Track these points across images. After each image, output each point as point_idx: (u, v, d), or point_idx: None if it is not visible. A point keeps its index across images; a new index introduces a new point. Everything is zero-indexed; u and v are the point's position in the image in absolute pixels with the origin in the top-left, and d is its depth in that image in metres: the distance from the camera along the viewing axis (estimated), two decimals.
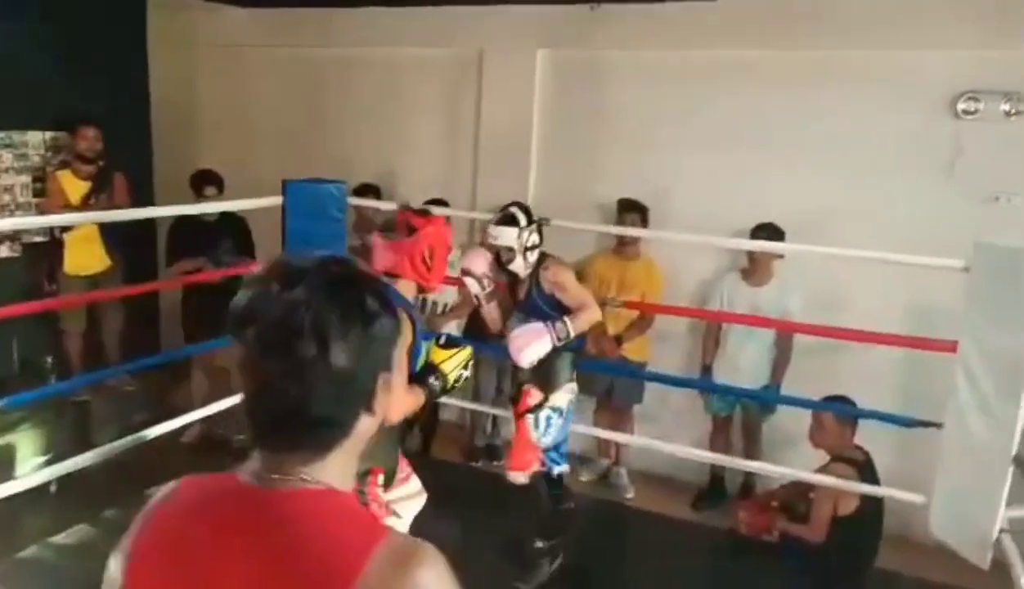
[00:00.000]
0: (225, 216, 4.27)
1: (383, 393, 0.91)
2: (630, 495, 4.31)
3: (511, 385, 4.53)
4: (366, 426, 0.91)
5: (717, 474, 4.24)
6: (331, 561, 0.81)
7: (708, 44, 4.13)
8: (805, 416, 3.38)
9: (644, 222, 4.15)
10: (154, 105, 5.19)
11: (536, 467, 2.99)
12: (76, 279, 4.43)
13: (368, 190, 4.42)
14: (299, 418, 0.86)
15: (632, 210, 4.17)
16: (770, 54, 4.02)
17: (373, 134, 5.07)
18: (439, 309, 4.39)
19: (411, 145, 5.03)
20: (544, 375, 2.92)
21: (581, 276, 4.39)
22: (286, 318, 0.82)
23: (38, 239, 4.56)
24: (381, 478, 2.32)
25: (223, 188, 4.44)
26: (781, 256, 3.94)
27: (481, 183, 4.83)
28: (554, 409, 2.92)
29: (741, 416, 4.20)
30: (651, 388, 4.26)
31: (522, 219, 2.85)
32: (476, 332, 4.49)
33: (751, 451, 4.11)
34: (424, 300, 4.37)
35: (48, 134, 4.52)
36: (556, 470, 3.02)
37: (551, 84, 4.63)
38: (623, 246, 4.26)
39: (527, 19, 4.51)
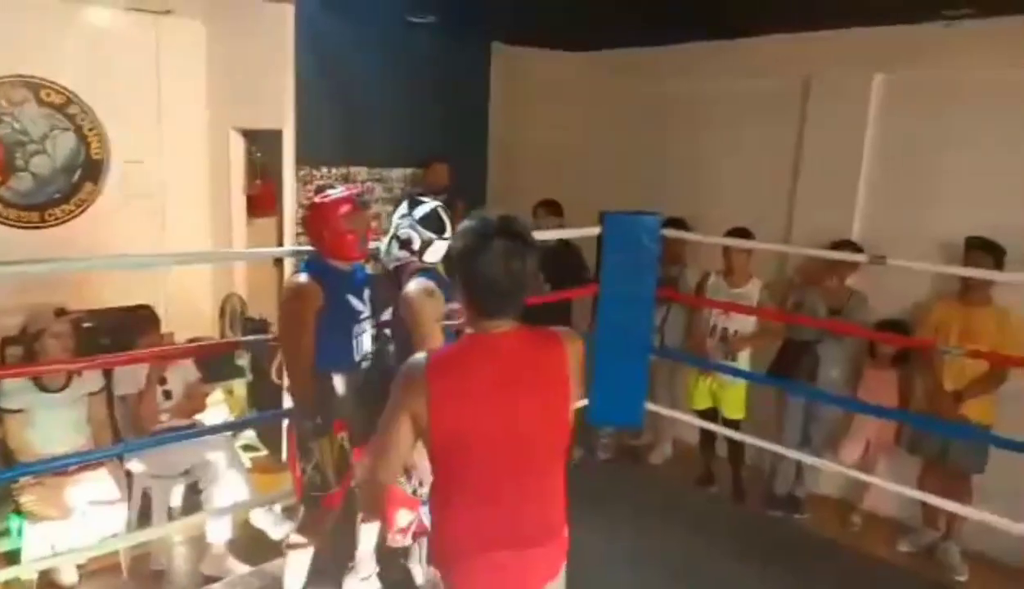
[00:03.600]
0: (563, 242, 4.60)
1: None
2: (962, 577, 3.75)
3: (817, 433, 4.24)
4: None
5: None
6: (553, 344, 1.70)
7: None
8: None
9: (998, 265, 3.60)
10: (490, 142, 5.81)
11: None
12: None
13: (676, 223, 4.45)
14: (522, 297, 1.66)
15: (982, 249, 3.64)
16: None
17: (685, 167, 5.10)
18: (731, 332, 4.29)
19: (723, 177, 4.96)
20: None
21: (919, 323, 3.97)
22: (521, 248, 1.61)
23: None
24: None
25: (561, 214, 4.82)
26: None
27: (798, 216, 4.61)
28: None
29: None
30: (996, 456, 3.65)
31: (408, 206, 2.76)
32: (782, 371, 4.27)
33: None
34: (715, 326, 4.32)
35: (408, 170, 5.30)
36: None
37: (887, 109, 4.26)
38: (968, 291, 3.73)
39: (863, 42, 4.21)
